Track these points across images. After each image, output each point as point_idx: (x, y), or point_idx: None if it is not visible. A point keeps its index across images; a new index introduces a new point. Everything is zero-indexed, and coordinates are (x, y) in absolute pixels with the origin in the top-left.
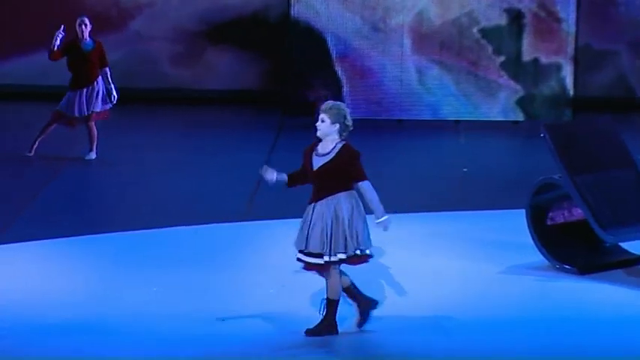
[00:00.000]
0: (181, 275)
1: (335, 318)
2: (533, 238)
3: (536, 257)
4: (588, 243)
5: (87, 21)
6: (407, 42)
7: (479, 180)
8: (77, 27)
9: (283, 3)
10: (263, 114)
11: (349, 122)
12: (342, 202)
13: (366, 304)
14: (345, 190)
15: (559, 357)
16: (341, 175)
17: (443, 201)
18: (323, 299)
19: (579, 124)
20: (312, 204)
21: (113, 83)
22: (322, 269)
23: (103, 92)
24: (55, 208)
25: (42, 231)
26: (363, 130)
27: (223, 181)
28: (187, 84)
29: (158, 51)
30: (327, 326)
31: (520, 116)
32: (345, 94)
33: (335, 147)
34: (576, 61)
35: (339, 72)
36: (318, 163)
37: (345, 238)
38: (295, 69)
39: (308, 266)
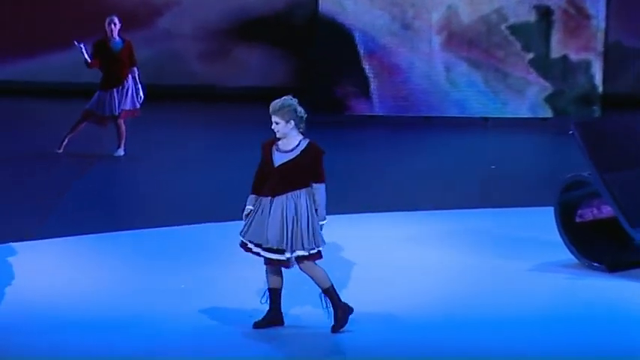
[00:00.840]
0: (210, 272)
1: (340, 303)
2: (561, 236)
3: (565, 255)
4: (617, 241)
5: (116, 20)
6: (435, 39)
7: (507, 177)
8: (107, 26)
9: (311, 1)
10: None
11: (302, 114)
12: (302, 198)
13: (275, 319)
14: (305, 187)
15: (588, 356)
16: (304, 172)
17: (471, 198)
18: (320, 294)
19: (609, 121)
20: (270, 198)
21: (140, 82)
22: (285, 265)
23: (132, 91)
24: (84, 204)
25: (71, 227)
26: (390, 127)
27: (250, 178)
28: (215, 81)
29: (186, 48)
30: (342, 313)
31: (549, 113)
32: (372, 90)
33: (299, 144)
34: (606, 57)
35: (367, 69)
36: (280, 159)
37: (306, 235)
38: (323, 66)
39: (270, 262)
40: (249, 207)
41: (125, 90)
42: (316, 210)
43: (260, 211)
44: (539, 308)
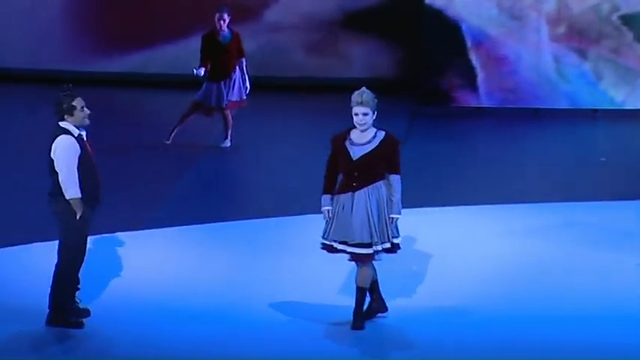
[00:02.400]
0: (317, 263)
1: (363, 307)
2: None
3: None
4: None
5: (225, 16)
6: (544, 29)
7: (617, 170)
8: (216, 21)
9: None
10: (396, 102)
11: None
12: (382, 191)
13: (379, 307)
14: (382, 179)
15: None
16: (383, 163)
17: (580, 191)
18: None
19: None
20: (350, 193)
21: (247, 74)
22: (368, 259)
23: (239, 82)
24: (191, 195)
25: (178, 218)
26: (497, 119)
27: None
28: (321, 73)
29: (292, 40)
30: (361, 316)
31: None
32: (479, 82)
33: (376, 136)
34: None
35: (474, 60)
36: (359, 152)
37: (388, 227)
38: (429, 57)
39: (356, 257)
40: (327, 207)
41: (232, 81)
42: (392, 201)
43: (340, 208)
44: None
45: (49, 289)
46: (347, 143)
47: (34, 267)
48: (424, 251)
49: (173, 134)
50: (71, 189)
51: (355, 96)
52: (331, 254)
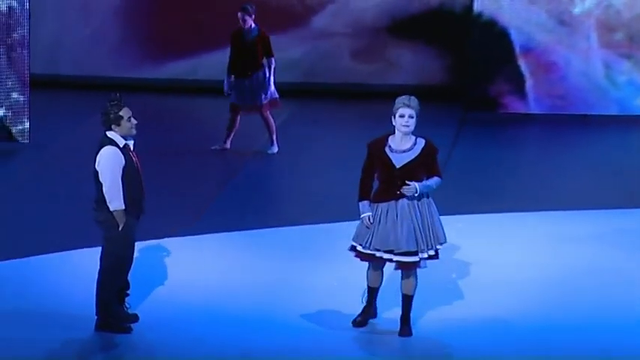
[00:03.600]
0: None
1: (410, 313)
2: None
3: None
4: None
5: (249, 9)
6: (593, 35)
7: None
8: (239, 17)
9: None
10: (444, 109)
11: None
12: (424, 197)
13: (370, 312)
14: None
15: None
16: (425, 171)
17: (630, 197)
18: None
19: None
20: (393, 201)
21: (273, 75)
22: (415, 267)
23: (266, 82)
24: (237, 201)
25: (225, 224)
26: (547, 125)
27: None
28: (369, 79)
29: (340, 46)
30: (408, 323)
31: None
32: (527, 88)
33: (416, 143)
34: None
35: (522, 66)
36: (401, 160)
37: (432, 233)
38: (477, 63)
39: (403, 266)
40: (367, 214)
41: (259, 81)
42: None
43: (383, 216)
44: None
45: (95, 296)
46: (387, 150)
47: (83, 272)
48: (470, 258)
49: (230, 138)
50: (115, 201)
51: (403, 98)
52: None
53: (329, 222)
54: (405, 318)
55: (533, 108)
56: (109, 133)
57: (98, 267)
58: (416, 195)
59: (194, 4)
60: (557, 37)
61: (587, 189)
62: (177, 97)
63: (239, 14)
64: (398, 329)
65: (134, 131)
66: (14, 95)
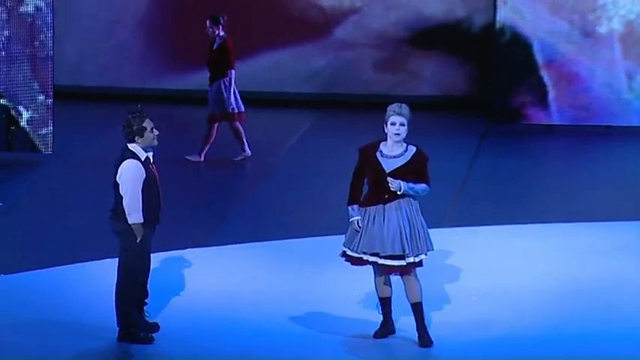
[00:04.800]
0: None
1: (424, 320)
2: None
3: None
4: None
5: (218, 19)
6: (617, 46)
7: None
8: (207, 25)
9: (489, 8)
10: (467, 120)
11: None
12: (412, 203)
13: (389, 329)
14: None
15: None
16: (414, 177)
17: None
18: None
19: None
20: (381, 205)
21: (233, 87)
22: (404, 271)
23: (226, 93)
24: (258, 211)
25: (247, 234)
26: (569, 136)
27: None
28: (391, 90)
29: (362, 57)
30: (426, 332)
31: None
32: (550, 99)
33: (407, 150)
34: None
35: (545, 77)
36: (392, 165)
37: (420, 239)
38: (500, 75)
39: (388, 270)
40: (357, 217)
41: (215, 91)
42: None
43: (371, 220)
44: None
45: (114, 307)
46: (377, 154)
47: (105, 283)
48: (489, 268)
49: (245, 147)
50: (134, 214)
51: (394, 106)
52: (354, 266)
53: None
54: (421, 326)
55: (556, 119)
56: (131, 146)
57: (116, 279)
58: (399, 192)
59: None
60: (580, 48)
61: (610, 200)
62: (198, 107)
63: (207, 22)
64: (417, 340)
65: (156, 142)
66: (38, 105)
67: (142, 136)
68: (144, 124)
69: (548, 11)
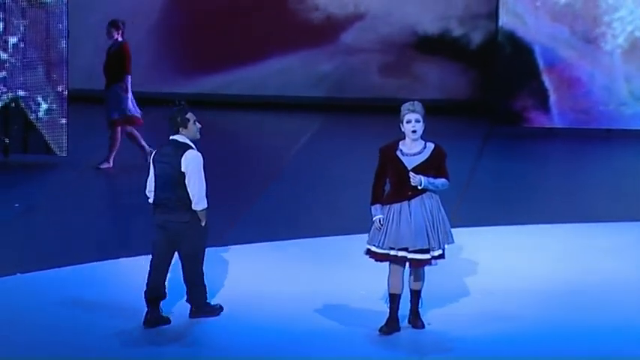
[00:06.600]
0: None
1: (419, 307)
2: None
3: None
4: None
5: (117, 23)
6: (617, 51)
7: None
8: (106, 29)
9: (491, 14)
10: (470, 123)
11: None
12: (434, 198)
13: (395, 326)
14: None
15: None
16: (434, 173)
17: None
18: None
19: None
20: (406, 202)
21: (128, 92)
22: (427, 264)
23: (119, 98)
24: (271, 212)
25: (260, 234)
26: (570, 139)
27: None
28: (396, 94)
29: (368, 62)
30: (419, 316)
31: None
32: (551, 103)
33: (426, 146)
34: None
35: (546, 82)
36: (413, 162)
37: (441, 233)
38: (502, 79)
39: (418, 263)
40: (379, 216)
41: (109, 95)
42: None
43: (396, 216)
44: None
45: (186, 293)
46: (398, 153)
47: (119, 282)
48: (492, 268)
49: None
50: (202, 201)
51: (407, 104)
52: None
53: (358, 233)
54: (415, 311)
55: (557, 122)
56: (179, 137)
57: (189, 264)
58: (420, 187)
59: (227, 21)
60: (581, 53)
61: (610, 202)
62: (210, 111)
63: (107, 26)
64: (409, 321)
65: (199, 135)
66: (53, 108)
67: (185, 127)
68: (187, 116)
69: (550, 17)
